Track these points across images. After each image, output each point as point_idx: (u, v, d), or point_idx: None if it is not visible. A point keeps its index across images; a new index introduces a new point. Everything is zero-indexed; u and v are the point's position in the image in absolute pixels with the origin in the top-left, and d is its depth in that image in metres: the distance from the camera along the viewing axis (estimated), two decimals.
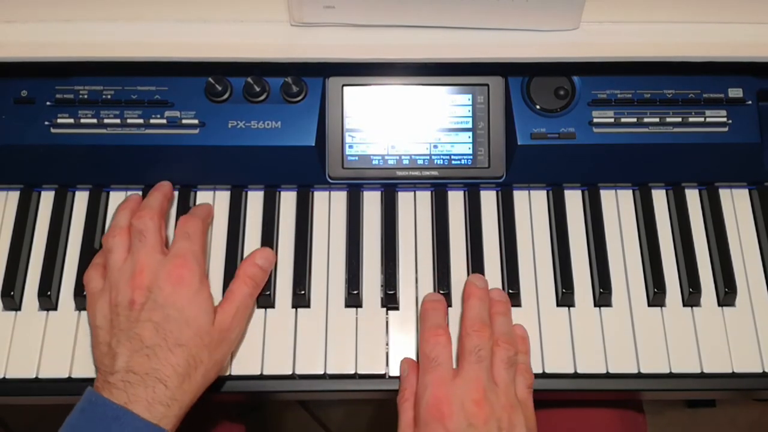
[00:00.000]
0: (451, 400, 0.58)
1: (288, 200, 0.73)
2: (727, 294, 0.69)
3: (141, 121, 0.70)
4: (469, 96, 0.73)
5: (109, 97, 0.71)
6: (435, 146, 0.73)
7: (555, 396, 0.70)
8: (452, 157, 0.73)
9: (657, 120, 0.71)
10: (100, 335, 0.62)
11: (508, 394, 0.60)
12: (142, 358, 0.58)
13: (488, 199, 0.73)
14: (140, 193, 0.72)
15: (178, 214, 0.71)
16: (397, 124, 0.73)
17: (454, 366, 0.62)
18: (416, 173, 0.73)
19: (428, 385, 0.60)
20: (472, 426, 0.57)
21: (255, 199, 0.73)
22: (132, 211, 0.68)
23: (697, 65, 0.67)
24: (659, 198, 0.74)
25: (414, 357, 0.66)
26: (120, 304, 0.61)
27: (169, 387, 0.57)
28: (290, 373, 0.66)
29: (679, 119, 0.71)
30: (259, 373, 0.66)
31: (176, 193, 0.73)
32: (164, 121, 0.70)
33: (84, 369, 0.66)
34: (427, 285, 0.70)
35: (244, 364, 0.66)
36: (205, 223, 0.69)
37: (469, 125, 0.73)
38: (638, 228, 0.73)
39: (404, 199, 0.74)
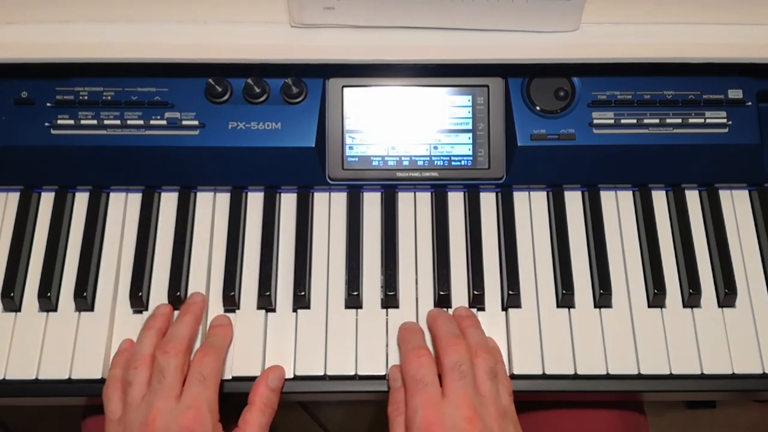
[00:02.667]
0: (443, 421, 0.57)
1: (288, 201, 0.73)
2: (727, 295, 0.69)
3: (141, 122, 0.70)
4: (469, 97, 0.73)
5: (109, 98, 0.71)
6: (435, 147, 0.73)
7: (555, 397, 0.70)
8: (452, 158, 0.73)
9: (657, 121, 0.71)
10: None
11: (496, 405, 0.59)
12: None
13: (488, 201, 0.73)
14: (168, 304, 0.69)
15: (178, 216, 0.72)
16: (397, 125, 0.73)
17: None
18: (416, 174, 0.73)
19: (418, 408, 0.58)
20: None
21: (255, 201, 0.73)
22: (158, 332, 0.65)
23: (697, 66, 0.68)
24: (659, 199, 0.74)
25: None
26: None
27: None
28: (290, 374, 0.66)
29: (679, 120, 0.71)
30: (259, 374, 0.66)
31: (176, 195, 0.73)
32: (164, 122, 0.70)
33: (84, 370, 0.66)
34: (427, 286, 0.70)
35: (245, 365, 0.66)
36: (221, 358, 0.65)
37: (469, 126, 0.73)
38: (638, 229, 0.73)
39: (404, 200, 0.74)
